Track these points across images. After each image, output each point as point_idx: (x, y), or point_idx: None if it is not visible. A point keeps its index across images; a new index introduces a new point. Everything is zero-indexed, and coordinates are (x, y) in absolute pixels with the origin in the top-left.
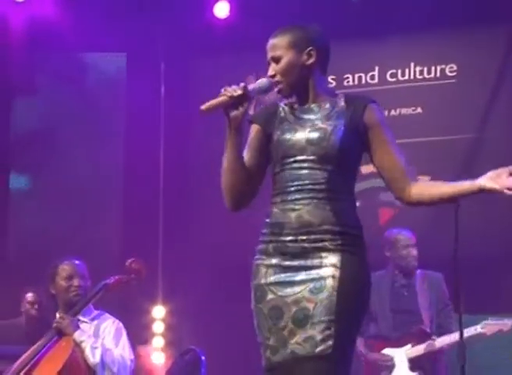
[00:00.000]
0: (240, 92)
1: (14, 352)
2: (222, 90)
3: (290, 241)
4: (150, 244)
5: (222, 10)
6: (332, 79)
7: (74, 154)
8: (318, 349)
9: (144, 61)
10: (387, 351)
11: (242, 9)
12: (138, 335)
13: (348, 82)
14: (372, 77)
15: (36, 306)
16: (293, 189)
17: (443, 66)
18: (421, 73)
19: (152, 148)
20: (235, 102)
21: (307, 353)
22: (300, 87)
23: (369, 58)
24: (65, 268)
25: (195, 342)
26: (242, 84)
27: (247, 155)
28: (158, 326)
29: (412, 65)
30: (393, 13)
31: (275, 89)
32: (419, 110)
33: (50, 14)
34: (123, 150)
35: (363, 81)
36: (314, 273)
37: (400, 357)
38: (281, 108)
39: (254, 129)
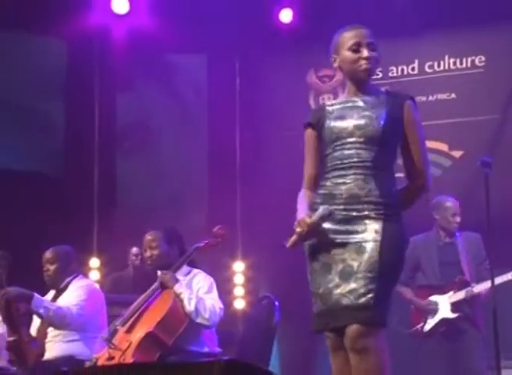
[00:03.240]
0: (306, 229)
1: (124, 300)
2: (296, 225)
3: (340, 210)
4: (230, 212)
5: (286, 16)
6: (379, 71)
7: (165, 140)
8: (362, 300)
9: (221, 60)
10: (433, 297)
11: (303, 16)
12: (223, 286)
13: (392, 73)
14: (413, 69)
15: (139, 257)
16: (343, 166)
17: (473, 58)
18: (455, 63)
19: (230, 132)
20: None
21: (351, 303)
22: (369, 77)
23: (410, 52)
24: (144, 239)
25: (269, 291)
26: (308, 222)
27: (311, 159)
28: (239, 278)
29: (446, 57)
30: (429, 13)
31: (364, 67)
32: (453, 95)
33: (145, 24)
34: (207, 135)
35: (405, 72)
36: (359, 237)
37: (444, 302)
38: (328, 107)
39: (311, 135)
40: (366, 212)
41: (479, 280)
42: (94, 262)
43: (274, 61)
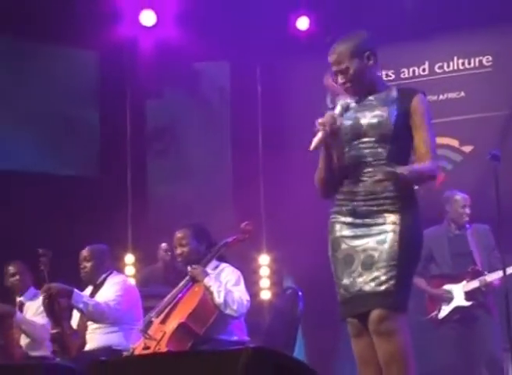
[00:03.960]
0: (335, 125)
1: (158, 292)
2: (317, 124)
3: (360, 205)
4: (254, 208)
5: (303, 24)
6: (392, 73)
7: (192, 142)
8: (383, 287)
9: (243, 67)
10: (447, 286)
11: (318, 23)
12: (250, 278)
13: (404, 74)
14: (424, 70)
15: (169, 253)
16: (360, 164)
17: (481, 58)
18: (463, 64)
19: (252, 132)
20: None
21: (374, 290)
22: (365, 85)
23: (420, 54)
24: (174, 236)
25: (293, 282)
26: (331, 115)
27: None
28: (264, 271)
29: (455, 58)
30: (438, 17)
31: (345, 91)
32: (462, 94)
33: (171, 35)
34: (230, 136)
35: (416, 73)
36: (378, 229)
37: (458, 291)
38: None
39: None
40: (384, 207)
41: (490, 269)
42: (129, 258)
43: (292, 66)
